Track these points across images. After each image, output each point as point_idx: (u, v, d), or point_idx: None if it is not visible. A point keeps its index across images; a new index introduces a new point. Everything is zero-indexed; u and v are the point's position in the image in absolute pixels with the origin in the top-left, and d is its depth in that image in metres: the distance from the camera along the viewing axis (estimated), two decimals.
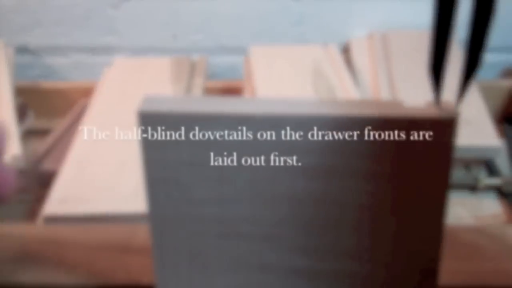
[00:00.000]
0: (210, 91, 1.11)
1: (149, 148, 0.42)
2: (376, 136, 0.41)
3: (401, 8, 1.18)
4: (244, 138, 0.41)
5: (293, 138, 0.41)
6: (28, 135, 1.03)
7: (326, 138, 0.41)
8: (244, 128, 0.41)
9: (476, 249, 0.53)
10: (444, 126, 0.40)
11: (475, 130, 0.86)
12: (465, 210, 0.81)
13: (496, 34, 1.18)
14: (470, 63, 0.41)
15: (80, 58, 1.25)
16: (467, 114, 0.87)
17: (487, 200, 0.83)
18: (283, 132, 0.41)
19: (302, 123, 0.41)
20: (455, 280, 0.49)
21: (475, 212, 0.80)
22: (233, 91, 1.11)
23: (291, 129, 0.41)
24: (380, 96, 0.95)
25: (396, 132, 0.41)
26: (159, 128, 0.41)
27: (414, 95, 0.94)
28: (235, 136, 0.41)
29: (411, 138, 0.41)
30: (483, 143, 0.83)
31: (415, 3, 1.17)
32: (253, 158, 0.42)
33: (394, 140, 0.41)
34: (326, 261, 0.45)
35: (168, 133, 0.41)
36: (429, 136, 0.41)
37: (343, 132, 0.41)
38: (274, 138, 0.41)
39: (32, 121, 1.07)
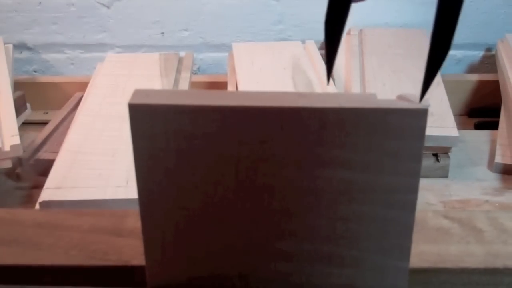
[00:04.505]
0: (196, 85, 1.11)
1: (139, 138, 0.42)
2: (352, 126, 0.41)
3: (379, 7, 1.18)
4: (228, 128, 0.41)
5: (275, 128, 0.41)
6: (26, 126, 1.03)
7: (305, 128, 0.41)
8: (227, 119, 0.41)
9: (444, 232, 0.53)
10: (415, 117, 0.40)
11: (437, 121, 0.86)
12: (434, 196, 0.81)
13: (463, 32, 1.19)
14: (435, 56, 0.41)
15: (74, 54, 1.24)
16: (430, 106, 0.88)
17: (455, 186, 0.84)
18: (264, 123, 0.41)
19: (284, 114, 0.41)
20: (424, 262, 0.49)
21: (443, 198, 0.81)
22: (218, 85, 1.11)
23: (272, 120, 0.41)
24: (352, 90, 0.95)
25: (370, 122, 0.40)
26: (148, 120, 0.41)
27: (383, 89, 0.94)
28: (219, 126, 0.41)
29: (384, 128, 0.41)
30: (442, 133, 0.84)
31: (392, 3, 1.18)
32: (236, 148, 0.42)
33: (369, 130, 0.41)
34: (306, 244, 0.45)
35: (156, 124, 0.41)
36: (401, 126, 0.40)
37: (320, 123, 0.41)
38: (256, 129, 0.41)
39: (29, 113, 1.06)
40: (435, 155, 0.86)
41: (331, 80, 0.95)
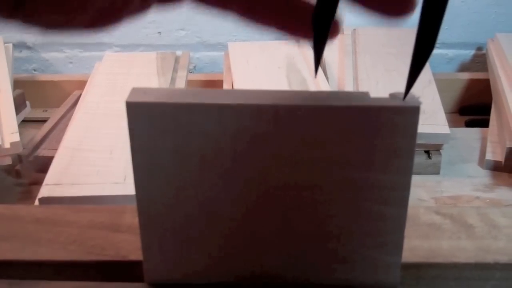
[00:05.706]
0: (192, 84, 1.11)
1: (136, 136, 0.42)
2: (345, 124, 0.41)
3: None
4: (224, 126, 0.41)
5: (270, 126, 0.41)
6: (26, 123, 1.03)
7: (299, 126, 0.41)
8: (223, 117, 0.41)
9: (435, 228, 0.53)
10: (407, 115, 0.40)
11: (428, 119, 0.86)
12: (426, 192, 0.81)
13: (455, 31, 1.19)
14: (420, 53, 0.41)
15: (73, 53, 1.24)
16: (422, 104, 0.88)
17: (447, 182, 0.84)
18: (259, 120, 0.41)
19: (278, 112, 0.41)
20: (416, 257, 0.49)
21: (435, 194, 0.81)
22: (214, 83, 1.11)
23: (267, 118, 0.41)
24: (345, 88, 0.95)
25: (363, 120, 0.40)
26: (145, 118, 0.41)
27: (376, 87, 0.94)
28: (215, 124, 0.41)
29: (377, 126, 0.40)
30: (434, 131, 0.84)
31: None
32: (233, 146, 0.42)
33: (361, 128, 0.41)
34: (300, 240, 0.45)
35: (154, 122, 0.41)
36: (394, 123, 0.40)
37: (313, 121, 0.41)
38: (252, 126, 0.41)
39: (29, 111, 1.06)
40: (427, 152, 0.86)
41: (325, 79, 0.95)
